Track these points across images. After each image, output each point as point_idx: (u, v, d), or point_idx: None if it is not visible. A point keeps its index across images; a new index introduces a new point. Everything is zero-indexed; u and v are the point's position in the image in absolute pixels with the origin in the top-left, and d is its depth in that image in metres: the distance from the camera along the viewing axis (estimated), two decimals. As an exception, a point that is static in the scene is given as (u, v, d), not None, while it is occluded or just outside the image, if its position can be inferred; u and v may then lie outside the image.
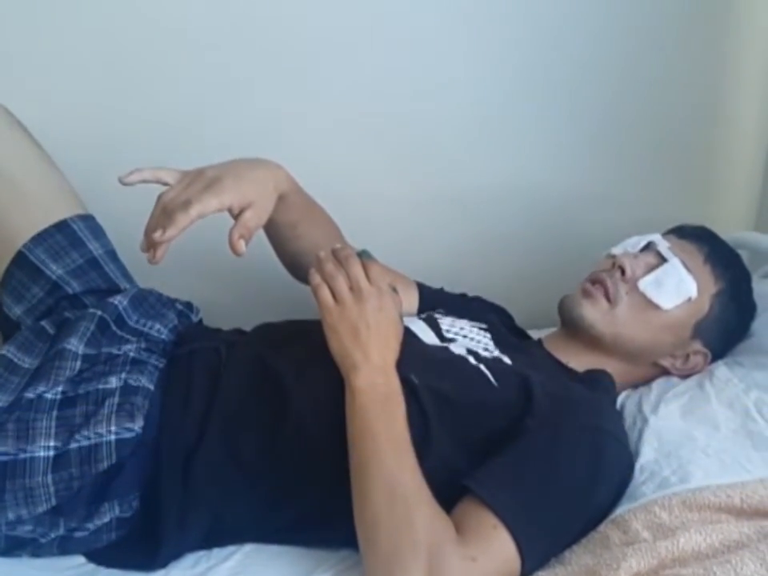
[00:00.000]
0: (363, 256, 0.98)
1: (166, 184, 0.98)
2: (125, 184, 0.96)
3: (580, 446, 0.91)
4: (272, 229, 1.11)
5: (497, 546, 0.81)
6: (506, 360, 1.07)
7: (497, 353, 1.09)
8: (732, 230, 1.37)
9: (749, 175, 1.59)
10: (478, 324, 1.17)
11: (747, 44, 1.48)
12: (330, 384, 0.93)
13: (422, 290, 1.29)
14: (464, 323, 1.16)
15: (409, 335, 1.01)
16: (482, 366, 1.01)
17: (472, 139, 1.49)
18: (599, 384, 1.08)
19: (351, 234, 1.25)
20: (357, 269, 0.95)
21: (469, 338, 1.12)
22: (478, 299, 1.30)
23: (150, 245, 0.94)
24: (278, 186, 1.05)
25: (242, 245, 0.95)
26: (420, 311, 1.25)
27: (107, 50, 1.33)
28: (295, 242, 1.17)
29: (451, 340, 1.10)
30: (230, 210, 0.97)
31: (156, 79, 1.36)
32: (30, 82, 1.32)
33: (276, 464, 0.95)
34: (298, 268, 1.22)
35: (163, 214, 0.94)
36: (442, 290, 1.32)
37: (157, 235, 0.91)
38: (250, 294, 1.51)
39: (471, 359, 1.03)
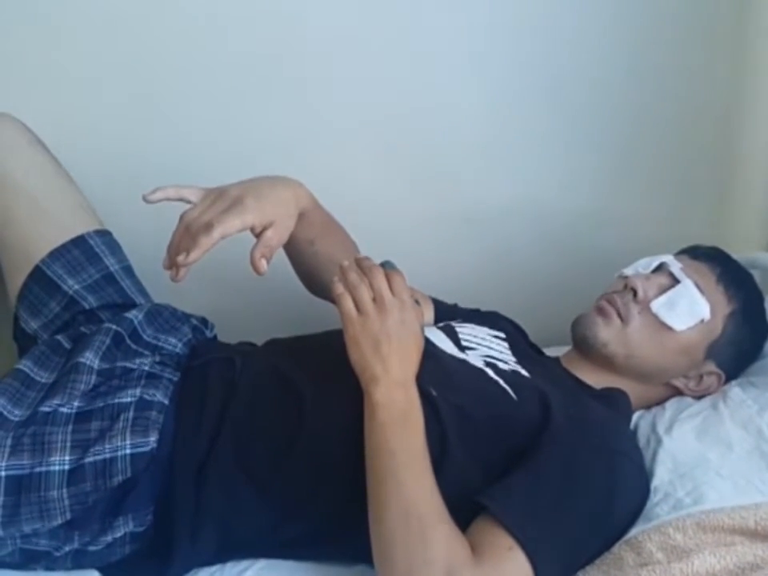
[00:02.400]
0: (387, 267, 0.98)
1: (188, 202, 0.99)
2: (148, 202, 0.97)
3: (596, 467, 0.91)
4: (290, 245, 1.12)
5: (512, 567, 0.81)
6: (524, 373, 1.07)
7: (515, 365, 1.09)
8: (744, 250, 1.36)
9: (761, 195, 1.59)
10: (496, 332, 1.18)
11: (763, 67, 1.48)
12: (347, 398, 0.93)
13: (437, 305, 1.29)
14: (482, 332, 1.16)
15: (428, 346, 1.00)
16: (500, 381, 1.01)
17: (483, 157, 1.49)
18: (616, 402, 1.08)
19: (360, 251, 1.25)
20: (380, 279, 0.95)
21: (487, 348, 1.12)
22: (493, 313, 1.30)
23: (172, 264, 0.95)
24: (298, 203, 1.05)
25: (263, 264, 0.96)
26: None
27: (124, 66, 1.33)
28: (312, 258, 1.17)
29: (470, 349, 1.10)
30: (251, 230, 0.98)
31: (173, 94, 1.37)
32: (47, 98, 1.33)
33: (289, 476, 0.95)
34: (314, 283, 1.22)
35: (186, 234, 0.94)
36: (456, 305, 1.32)
37: (181, 258, 0.92)
38: (265, 309, 1.51)
39: (490, 372, 1.03)
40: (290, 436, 0.95)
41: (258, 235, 0.98)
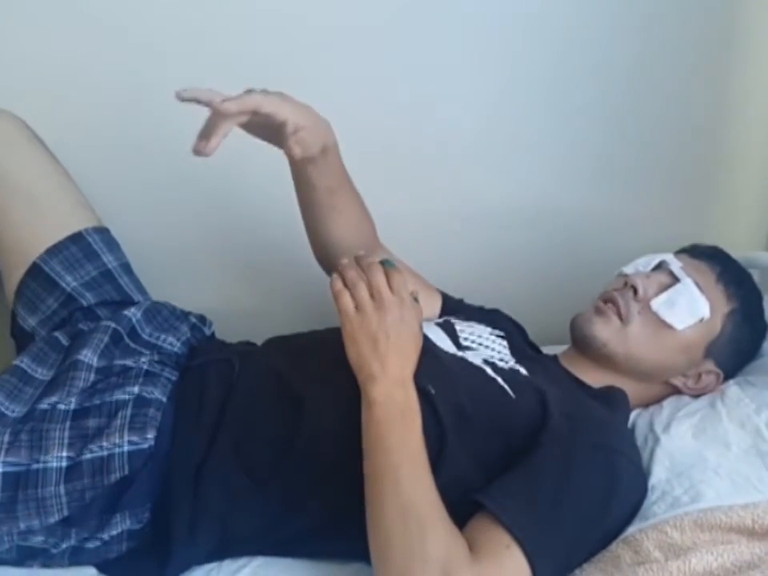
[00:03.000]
0: (386, 265, 0.97)
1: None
2: (180, 99, 0.93)
3: (594, 466, 0.91)
4: (309, 196, 1.11)
5: (510, 565, 0.81)
6: (523, 371, 1.07)
7: (514, 363, 1.09)
8: (743, 249, 1.36)
9: (760, 195, 1.59)
10: (495, 331, 1.17)
11: (756, 65, 1.48)
12: (346, 397, 0.93)
13: (445, 298, 1.29)
14: (481, 329, 1.16)
15: (427, 344, 1.00)
16: (499, 379, 1.01)
17: (484, 156, 1.49)
18: (614, 401, 1.07)
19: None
20: (379, 277, 0.94)
21: (485, 347, 1.12)
22: (495, 311, 1.30)
23: (206, 134, 0.92)
24: (330, 130, 1.04)
25: (298, 150, 0.99)
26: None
27: (124, 64, 1.33)
28: (331, 216, 1.14)
29: (468, 348, 1.10)
30: (284, 126, 0.96)
31: (170, 92, 1.36)
32: (47, 96, 1.32)
33: (287, 475, 0.95)
34: (328, 254, 1.19)
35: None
36: (461, 300, 1.32)
37: (217, 101, 0.89)
38: (264, 306, 1.51)
39: (489, 370, 1.03)
40: (288, 436, 0.95)
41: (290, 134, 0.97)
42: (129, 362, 1.05)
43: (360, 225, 1.19)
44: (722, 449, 0.99)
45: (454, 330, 1.13)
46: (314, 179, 1.08)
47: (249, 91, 0.94)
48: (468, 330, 1.15)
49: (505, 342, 1.15)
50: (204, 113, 1.36)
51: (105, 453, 0.93)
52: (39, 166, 1.22)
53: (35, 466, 0.90)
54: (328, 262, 1.20)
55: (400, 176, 1.47)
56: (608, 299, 1.12)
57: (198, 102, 0.93)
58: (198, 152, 0.91)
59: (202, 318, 1.23)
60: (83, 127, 1.36)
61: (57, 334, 1.11)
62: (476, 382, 1.01)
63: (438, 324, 1.15)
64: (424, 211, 1.51)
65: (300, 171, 1.08)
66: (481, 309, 1.31)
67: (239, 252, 1.47)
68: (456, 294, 1.34)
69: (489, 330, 1.17)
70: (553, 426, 0.94)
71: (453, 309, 1.26)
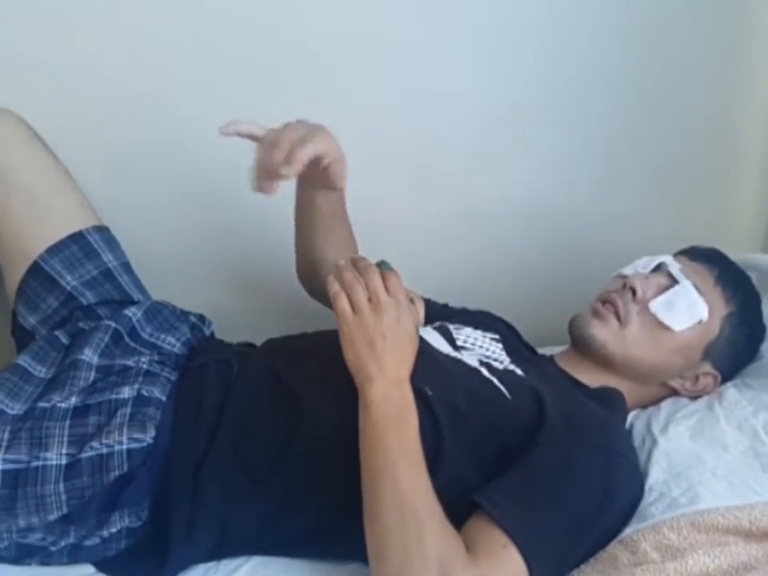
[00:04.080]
0: (383, 267, 0.97)
1: (255, 139, 0.99)
2: (223, 134, 0.97)
3: (591, 465, 0.91)
4: (313, 216, 1.13)
5: (506, 565, 0.81)
6: (519, 372, 1.07)
7: (509, 364, 1.09)
8: (741, 251, 1.36)
9: (758, 197, 1.59)
10: (489, 334, 1.18)
11: (758, 69, 1.48)
12: (344, 398, 0.93)
13: (429, 305, 1.29)
14: (476, 333, 1.16)
15: (423, 345, 1.00)
16: (495, 380, 1.01)
17: (483, 155, 1.49)
18: (611, 401, 1.08)
19: (359, 249, 1.25)
20: (376, 279, 0.94)
21: (481, 348, 1.12)
22: (485, 313, 1.30)
23: (263, 181, 0.94)
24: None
25: (341, 182, 1.05)
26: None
27: (126, 64, 1.33)
28: (329, 237, 1.18)
29: (464, 349, 1.11)
30: (321, 159, 0.98)
31: (174, 93, 1.37)
32: (46, 95, 1.32)
33: (286, 476, 0.95)
34: (314, 275, 1.22)
35: (272, 149, 0.93)
36: (446, 305, 1.32)
37: (284, 170, 0.91)
38: (262, 307, 1.52)
39: (484, 371, 1.03)
40: (287, 437, 0.96)
41: (323, 168, 1.00)
42: (129, 362, 1.05)
43: (348, 251, 1.21)
44: (720, 451, 0.99)
45: (450, 333, 1.13)
46: (322, 203, 1.11)
47: (287, 125, 0.95)
48: (463, 333, 1.15)
49: (500, 345, 1.15)
50: (201, 115, 1.37)
51: (104, 450, 0.93)
52: (40, 165, 1.23)
53: (35, 463, 0.91)
54: (314, 278, 1.23)
55: (400, 176, 1.47)
56: (607, 300, 1.12)
57: (239, 135, 0.98)
58: (262, 190, 0.95)
59: (201, 318, 1.23)
60: (83, 127, 1.35)
61: (57, 332, 1.11)
62: (472, 383, 1.01)
63: (435, 327, 1.15)
64: (424, 211, 1.51)
65: (311, 194, 1.12)
66: (468, 311, 1.31)
67: (238, 252, 1.47)
68: (455, 293, 1.34)
69: (483, 332, 1.17)
70: (549, 426, 0.95)
71: (438, 314, 1.26)
